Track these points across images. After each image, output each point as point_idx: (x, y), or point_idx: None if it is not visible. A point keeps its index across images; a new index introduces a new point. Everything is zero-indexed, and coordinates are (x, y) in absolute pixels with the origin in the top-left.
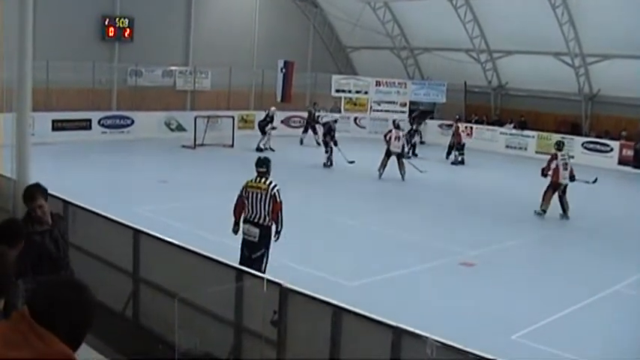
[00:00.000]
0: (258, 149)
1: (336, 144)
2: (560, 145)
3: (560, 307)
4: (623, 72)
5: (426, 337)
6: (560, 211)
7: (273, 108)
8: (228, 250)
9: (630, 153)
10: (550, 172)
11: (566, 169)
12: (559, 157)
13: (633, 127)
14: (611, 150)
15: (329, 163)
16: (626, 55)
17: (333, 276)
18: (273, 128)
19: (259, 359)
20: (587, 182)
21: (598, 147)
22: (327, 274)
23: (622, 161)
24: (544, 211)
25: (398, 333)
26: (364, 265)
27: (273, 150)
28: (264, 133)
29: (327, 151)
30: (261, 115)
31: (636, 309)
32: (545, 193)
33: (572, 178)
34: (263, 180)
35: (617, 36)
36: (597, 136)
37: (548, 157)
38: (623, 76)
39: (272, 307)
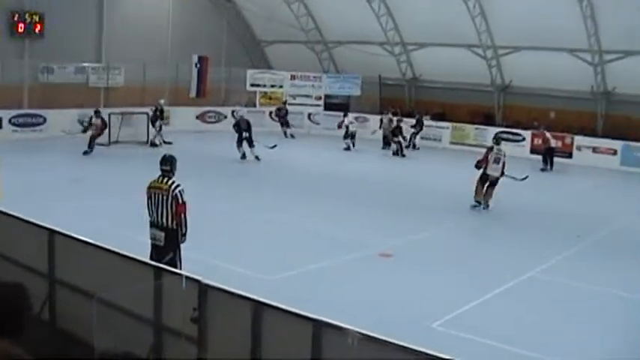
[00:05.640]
0: (153, 145)
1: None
2: (498, 140)
3: (478, 294)
4: (532, 63)
5: (347, 329)
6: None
7: (162, 100)
8: (145, 248)
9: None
10: (482, 164)
11: (497, 162)
12: (494, 150)
13: (543, 117)
14: (524, 139)
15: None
16: (535, 46)
17: (253, 271)
18: (162, 124)
19: (180, 357)
20: (516, 179)
21: (511, 137)
22: (246, 269)
23: (534, 150)
24: (479, 203)
25: (318, 326)
26: (283, 259)
27: (169, 143)
28: (157, 129)
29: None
30: (177, 110)
31: (549, 293)
32: (476, 185)
33: (502, 173)
34: (165, 180)
35: (526, 28)
36: (509, 126)
37: (484, 150)
38: (532, 68)
39: (191, 304)
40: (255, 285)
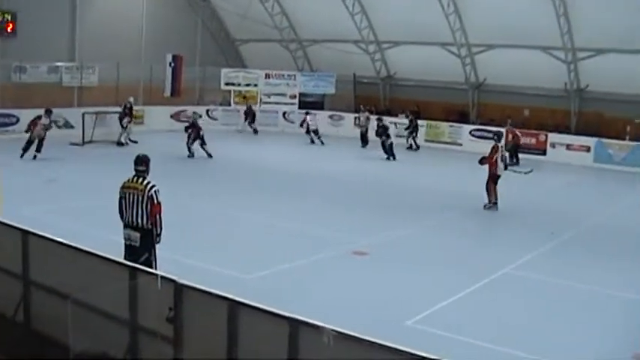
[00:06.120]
0: (119, 144)
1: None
2: (500, 137)
3: (452, 291)
4: (506, 61)
5: (323, 327)
6: (486, 202)
7: (131, 98)
8: (121, 248)
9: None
10: (487, 162)
11: (502, 160)
12: (499, 150)
13: (517, 115)
14: None
15: (191, 154)
16: (509, 44)
17: (228, 270)
18: (130, 121)
19: (156, 357)
20: (520, 172)
21: (485, 134)
22: (221, 268)
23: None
24: (495, 204)
25: (294, 324)
26: (259, 257)
27: (135, 142)
28: (123, 126)
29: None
30: (152, 110)
31: (523, 289)
32: (487, 186)
33: (504, 167)
34: (140, 180)
35: (500, 26)
36: (483, 124)
37: (490, 147)
38: (506, 65)
39: (167, 304)
40: (231, 284)
